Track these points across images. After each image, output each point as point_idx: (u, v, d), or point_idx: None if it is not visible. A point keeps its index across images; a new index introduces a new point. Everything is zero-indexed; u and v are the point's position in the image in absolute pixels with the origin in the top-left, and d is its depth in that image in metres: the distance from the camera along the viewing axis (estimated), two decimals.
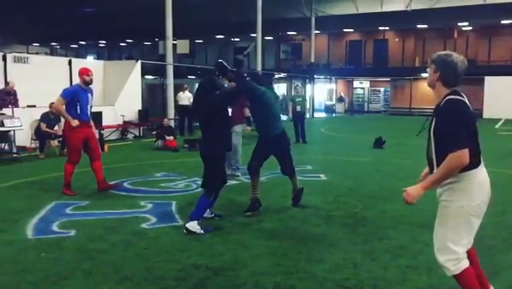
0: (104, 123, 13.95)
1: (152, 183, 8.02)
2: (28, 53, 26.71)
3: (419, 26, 33.63)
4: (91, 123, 7.37)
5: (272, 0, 25.17)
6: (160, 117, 16.37)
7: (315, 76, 32.11)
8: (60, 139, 10.97)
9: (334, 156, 11.86)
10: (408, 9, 27.43)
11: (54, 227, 5.42)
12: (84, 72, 7.09)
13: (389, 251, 4.65)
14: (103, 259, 4.43)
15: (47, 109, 10.81)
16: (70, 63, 14.85)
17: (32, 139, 11.51)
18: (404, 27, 34.94)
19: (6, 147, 10.67)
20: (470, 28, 33.47)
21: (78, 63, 13.67)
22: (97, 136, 11.86)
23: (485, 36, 33.43)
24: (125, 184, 7.92)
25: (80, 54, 45.49)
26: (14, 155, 10.62)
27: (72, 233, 5.20)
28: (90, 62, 23.67)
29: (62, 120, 7.64)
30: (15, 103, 12.01)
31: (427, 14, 28.65)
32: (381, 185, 7.93)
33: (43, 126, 10.93)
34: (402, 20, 30.90)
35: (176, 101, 17.77)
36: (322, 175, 8.88)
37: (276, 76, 35.90)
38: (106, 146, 12.42)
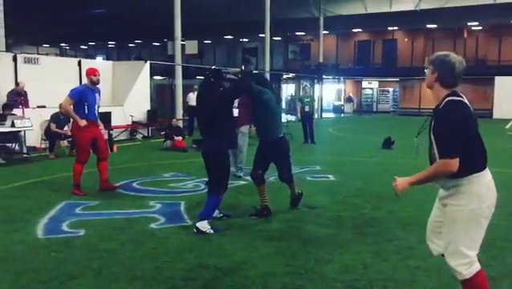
0: (113, 123, 14.02)
1: (161, 183, 8.04)
2: (38, 54, 26.92)
3: (428, 25, 33.47)
4: (99, 122, 7.42)
5: (280, 0, 25.17)
6: (168, 118, 16.42)
7: (324, 76, 32.05)
8: (70, 139, 11.04)
9: (342, 156, 11.83)
10: (418, 8, 27.31)
11: (64, 227, 5.46)
12: (91, 72, 7.14)
13: (398, 252, 4.62)
14: (113, 259, 4.45)
15: (57, 110, 10.88)
16: (79, 63, 14.95)
17: (42, 139, 11.60)
18: (413, 27, 34.79)
19: (17, 147, 10.75)
20: (480, 28, 33.25)
21: (87, 64, 13.74)
22: (106, 136, 11.99)
23: (495, 36, 33.18)
24: (134, 184, 7.95)
25: (89, 54, 45.76)
26: (25, 155, 10.70)
27: (82, 232, 5.23)
28: (99, 62, 23.82)
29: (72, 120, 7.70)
30: (26, 104, 12.12)
31: (436, 14, 28.51)
32: (390, 185, 7.84)
33: (53, 126, 11.00)
34: (411, 20, 30.76)
35: (185, 102, 17.83)
36: (330, 175, 8.86)
37: (284, 77, 35.95)
38: (115, 146, 12.49)
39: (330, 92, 37.81)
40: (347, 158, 11.40)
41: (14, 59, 13.04)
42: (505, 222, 5.46)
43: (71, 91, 7.08)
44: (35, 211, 6.09)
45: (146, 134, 16.25)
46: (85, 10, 31.16)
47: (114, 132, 13.88)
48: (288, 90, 39.30)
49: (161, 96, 31.87)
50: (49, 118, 11.27)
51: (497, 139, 15.73)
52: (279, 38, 37.40)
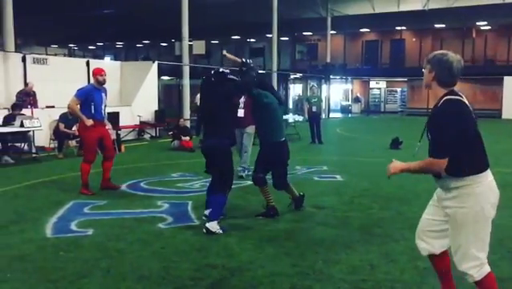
0: (121, 123, 14.08)
1: (169, 183, 8.07)
2: (47, 54, 27.10)
3: (436, 25, 33.29)
4: (106, 122, 7.46)
5: (288, 0, 25.15)
6: (176, 118, 16.47)
7: (331, 76, 31.98)
8: (78, 139, 11.10)
9: (350, 156, 11.80)
10: (426, 8, 27.15)
11: (73, 226, 5.49)
12: (97, 72, 7.20)
13: (406, 253, 4.60)
14: (121, 258, 4.47)
15: (66, 110, 10.94)
16: (88, 63, 15.03)
17: (51, 139, 11.69)
18: (421, 27, 34.61)
19: (26, 147, 10.83)
20: (489, 27, 33.01)
21: (95, 64, 13.80)
22: (114, 136, 12.04)
23: (504, 35, 32.92)
24: (142, 184, 7.98)
25: (98, 55, 45.97)
26: (34, 155, 10.78)
27: (90, 232, 5.26)
28: (107, 63, 23.95)
29: None
30: (34, 104, 12.21)
31: (444, 14, 28.33)
32: (398, 186, 7.86)
33: (62, 126, 11.08)
34: (419, 20, 30.60)
35: (192, 102, 17.86)
36: (338, 176, 8.84)
37: (291, 77, 35.91)
38: (123, 146, 12.55)
39: (337, 92, 37.72)
40: (354, 158, 11.37)
41: (23, 60, 13.15)
42: None
43: (78, 91, 7.13)
44: (44, 210, 6.14)
45: (154, 134, 16.31)
46: (93, 11, 31.30)
47: (122, 132, 13.94)
48: (295, 90, 39.24)
49: (169, 96, 31.97)
50: (58, 118, 11.35)
51: (507, 139, 15.62)
52: (286, 39, 37.36)
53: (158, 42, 42.12)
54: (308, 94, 19.23)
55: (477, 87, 32.87)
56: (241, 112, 8.29)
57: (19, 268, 4.19)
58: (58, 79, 13.16)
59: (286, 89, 35.60)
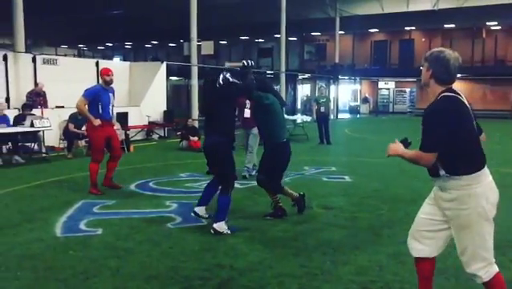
0: (130, 123, 14.14)
1: (177, 183, 8.09)
2: (57, 55, 27.30)
3: (446, 25, 33.06)
4: (115, 122, 7.49)
5: (296, 0, 25.11)
6: (184, 118, 16.50)
7: (340, 77, 31.88)
8: (87, 139, 11.17)
9: (358, 157, 11.76)
10: (435, 8, 26.99)
11: (82, 226, 5.53)
12: (105, 72, 7.24)
13: None
14: (130, 258, 4.49)
15: (75, 110, 11.02)
16: (97, 64, 15.11)
17: (60, 139, 11.77)
18: (430, 27, 34.38)
19: (36, 147, 10.92)
20: (499, 27, 32.73)
21: (105, 65, 13.90)
22: (123, 136, 12.09)
23: None
24: (150, 184, 8.01)
25: (107, 55, 46.20)
26: (43, 155, 10.87)
27: (99, 231, 5.29)
28: (116, 63, 24.07)
29: None
30: (45, 104, 12.31)
31: (454, 14, 28.12)
32: (407, 186, 7.83)
33: (71, 126, 11.15)
34: (429, 20, 30.39)
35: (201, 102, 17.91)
36: (346, 176, 8.81)
37: (300, 77, 35.85)
38: (131, 146, 12.61)
39: (346, 93, 37.60)
40: (363, 159, 11.33)
41: (34, 60, 13.26)
42: None
43: (85, 91, 7.18)
44: (54, 210, 6.18)
45: (162, 134, 16.37)
46: (103, 12, 31.48)
47: (131, 133, 14.01)
48: (304, 90, 39.17)
49: (177, 97, 32.05)
50: (67, 118, 11.42)
51: None
52: (295, 39, 37.32)
53: (167, 43, 42.26)
54: (316, 94, 19.23)
55: (487, 88, 32.63)
56: (247, 113, 8.30)
57: (29, 267, 4.23)
58: (68, 79, 13.24)
59: (295, 89, 35.52)
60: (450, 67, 2.90)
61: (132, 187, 7.73)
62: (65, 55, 32.95)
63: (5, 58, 12.65)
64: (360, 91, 37.94)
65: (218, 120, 5.31)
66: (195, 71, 18.27)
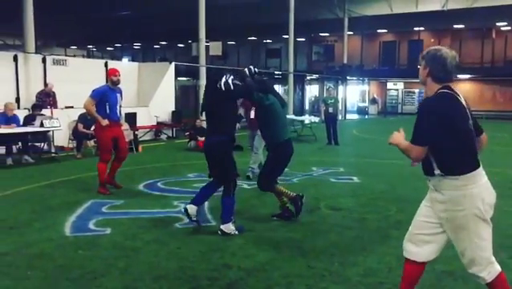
0: (138, 123, 14.21)
1: (185, 183, 8.11)
2: (66, 55, 27.48)
3: (455, 26, 32.87)
4: (123, 122, 7.51)
5: (304, 1, 25.08)
6: (192, 118, 16.55)
7: (348, 78, 31.79)
8: (96, 139, 11.25)
9: (366, 158, 11.72)
10: (445, 8, 26.82)
11: (91, 225, 5.56)
12: (112, 73, 7.29)
13: None
14: (138, 257, 4.51)
15: (84, 110, 11.09)
16: (106, 64, 15.19)
17: (70, 139, 11.85)
18: (439, 27, 34.20)
19: (46, 146, 11.01)
20: (509, 28, 32.47)
21: (114, 65, 13.99)
22: (131, 136, 12.15)
23: None
24: (158, 184, 8.05)
25: (116, 56, 46.44)
26: (53, 154, 10.94)
27: (108, 231, 5.32)
28: (125, 64, 24.17)
29: None
30: (54, 104, 12.39)
31: (464, 14, 27.94)
32: (415, 187, 7.77)
33: (80, 126, 11.22)
34: (438, 20, 30.22)
35: None
36: (354, 177, 8.79)
37: (308, 78, 35.81)
38: (140, 146, 12.66)
39: (354, 93, 37.48)
40: (371, 160, 11.29)
41: (44, 61, 13.37)
42: None
43: (93, 91, 7.22)
44: (63, 209, 6.23)
45: (170, 134, 16.42)
46: (111, 13, 31.66)
47: (139, 133, 14.06)
48: (312, 91, 39.13)
49: (186, 97, 32.12)
50: (76, 118, 11.50)
51: None
52: (303, 39, 37.27)
53: (175, 44, 42.40)
54: (325, 95, 19.19)
55: (497, 89, 32.39)
56: (253, 114, 8.31)
57: (39, 266, 4.26)
58: (78, 79, 13.32)
59: (303, 90, 35.50)
60: (447, 66, 2.88)
61: (141, 187, 7.77)
62: (74, 56, 33.21)
63: (15, 58, 12.77)
64: (369, 91, 37.80)
65: (218, 121, 5.29)
66: (203, 71, 18.31)
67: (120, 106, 7.44)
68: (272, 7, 26.48)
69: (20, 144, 10.37)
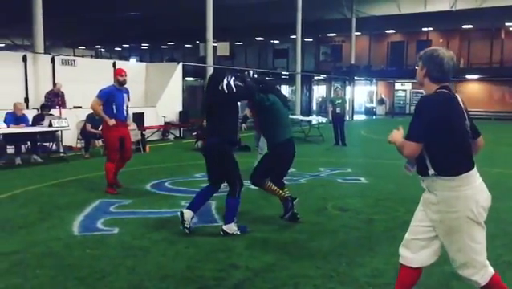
0: (146, 124, 14.25)
1: (192, 183, 8.12)
2: (74, 55, 27.64)
3: (464, 26, 32.68)
4: (130, 122, 7.53)
5: (312, 1, 25.05)
6: (200, 118, 16.53)
7: (355, 78, 31.69)
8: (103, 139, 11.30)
9: (374, 159, 11.68)
10: (453, 9, 26.67)
11: (99, 224, 5.59)
12: (118, 73, 7.33)
13: None
14: (146, 257, 4.53)
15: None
16: (114, 65, 15.26)
17: (78, 139, 11.91)
18: (448, 28, 34.01)
19: (54, 146, 11.08)
20: None
21: (121, 66, 14.03)
22: (139, 136, 12.19)
23: None
24: (166, 184, 8.07)
25: (123, 56, 46.65)
26: (61, 154, 11.01)
27: (116, 230, 5.34)
28: (133, 64, 24.26)
29: None
30: (63, 104, 12.47)
31: (472, 14, 27.77)
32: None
33: (89, 126, 11.28)
34: (446, 20, 30.07)
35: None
36: (362, 178, 8.76)
37: (315, 78, 35.75)
38: (148, 146, 12.70)
39: (361, 94, 37.36)
40: (379, 160, 11.25)
41: (52, 61, 13.45)
42: None
43: (99, 92, 7.25)
44: (71, 209, 6.26)
45: (178, 135, 16.46)
46: (119, 13, 31.81)
47: (147, 133, 14.11)
48: (319, 91, 39.06)
49: (193, 97, 32.18)
50: (85, 118, 11.56)
51: None
52: (311, 40, 37.23)
53: (183, 44, 42.52)
54: (332, 95, 19.15)
55: (506, 89, 32.14)
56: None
57: (48, 265, 4.29)
58: (86, 79, 13.39)
59: (310, 90, 35.45)
60: (444, 66, 2.85)
61: (148, 187, 7.79)
62: (83, 56, 33.40)
63: (24, 59, 12.86)
64: (376, 92, 37.67)
65: (219, 123, 5.21)
66: (211, 71, 18.32)
67: (127, 106, 7.46)
68: (279, 7, 26.47)
69: (29, 143, 10.45)
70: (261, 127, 6.12)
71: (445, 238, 2.88)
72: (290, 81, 31.68)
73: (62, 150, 11.20)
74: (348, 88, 30.91)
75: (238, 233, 5.16)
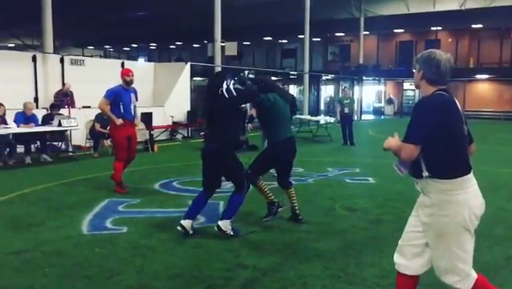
0: (154, 123, 14.28)
1: (200, 183, 8.09)
2: (83, 55, 27.79)
3: (473, 25, 32.43)
4: (138, 122, 7.54)
5: (320, 1, 25.01)
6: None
7: (364, 78, 31.58)
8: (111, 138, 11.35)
9: (382, 159, 11.58)
10: (462, 8, 26.49)
11: (108, 224, 5.62)
12: (125, 73, 7.35)
13: None
14: (154, 256, 4.55)
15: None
16: (122, 65, 15.31)
17: (87, 138, 11.99)
18: (457, 27, 33.74)
19: (63, 146, 11.15)
20: None
21: (130, 65, 14.09)
22: (147, 136, 12.23)
23: None
24: (174, 183, 8.09)
25: (132, 56, 46.87)
26: (70, 153, 11.08)
27: (124, 230, 5.36)
28: (141, 64, 24.36)
29: None
30: (72, 104, 12.55)
31: (482, 14, 27.56)
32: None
33: (97, 126, 11.34)
34: (456, 20, 29.84)
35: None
36: (370, 178, 8.73)
37: (323, 78, 35.67)
38: (156, 146, 12.74)
39: (370, 94, 37.22)
40: (387, 161, 11.14)
41: (61, 61, 13.55)
42: None
43: (107, 92, 7.27)
44: (80, 208, 6.29)
45: (186, 134, 16.50)
46: (128, 14, 31.96)
47: (155, 133, 14.15)
48: (327, 91, 38.96)
49: (201, 97, 32.22)
50: (93, 118, 11.62)
51: None
52: (319, 39, 37.14)
53: (191, 44, 42.59)
54: (340, 95, 19.09)
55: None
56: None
57: (57, 263, 4.32)
58: (95, 79, 13.44)
59: (318, 90, 35.37)
60: (441, 68, 2.83)
61: (156, 186, 7.82)
62: (91, 56, 33.57)
63: (34, 58, 12.96)
64: (385, 92, 37.51)
65: (220, 128, 5.12)
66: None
67: (135, 106, 7.49)
68: (287, 7, 26.45)
69: (38, 143, 10.52)
70: (261, 125, 6.12)
71: (432, 242, 2.84)
72: (299, 81, 31.67)
73: (71, 149, 11.27)
74: (356, 88, 30.81)
75: (231, 233, 5.07)
